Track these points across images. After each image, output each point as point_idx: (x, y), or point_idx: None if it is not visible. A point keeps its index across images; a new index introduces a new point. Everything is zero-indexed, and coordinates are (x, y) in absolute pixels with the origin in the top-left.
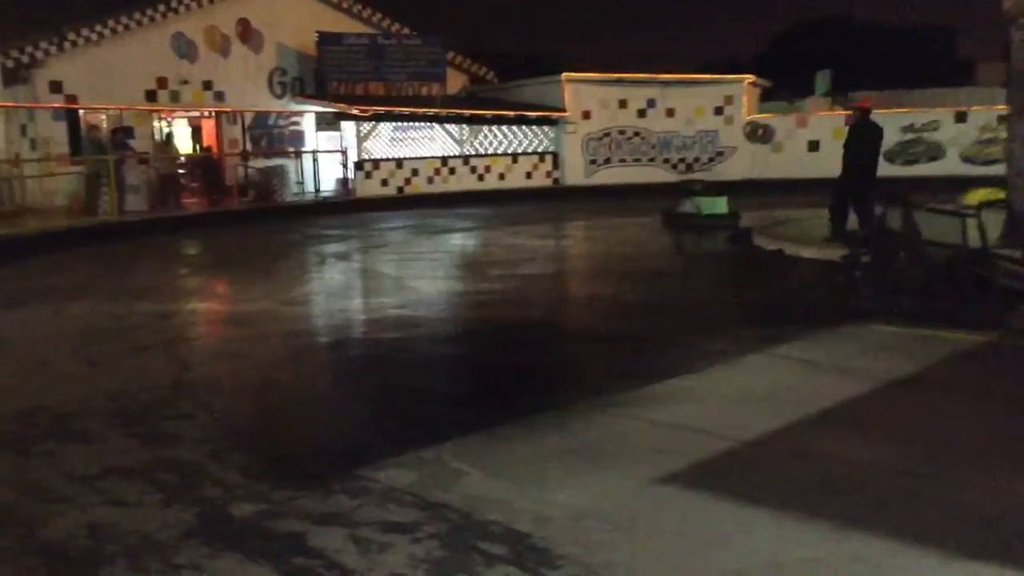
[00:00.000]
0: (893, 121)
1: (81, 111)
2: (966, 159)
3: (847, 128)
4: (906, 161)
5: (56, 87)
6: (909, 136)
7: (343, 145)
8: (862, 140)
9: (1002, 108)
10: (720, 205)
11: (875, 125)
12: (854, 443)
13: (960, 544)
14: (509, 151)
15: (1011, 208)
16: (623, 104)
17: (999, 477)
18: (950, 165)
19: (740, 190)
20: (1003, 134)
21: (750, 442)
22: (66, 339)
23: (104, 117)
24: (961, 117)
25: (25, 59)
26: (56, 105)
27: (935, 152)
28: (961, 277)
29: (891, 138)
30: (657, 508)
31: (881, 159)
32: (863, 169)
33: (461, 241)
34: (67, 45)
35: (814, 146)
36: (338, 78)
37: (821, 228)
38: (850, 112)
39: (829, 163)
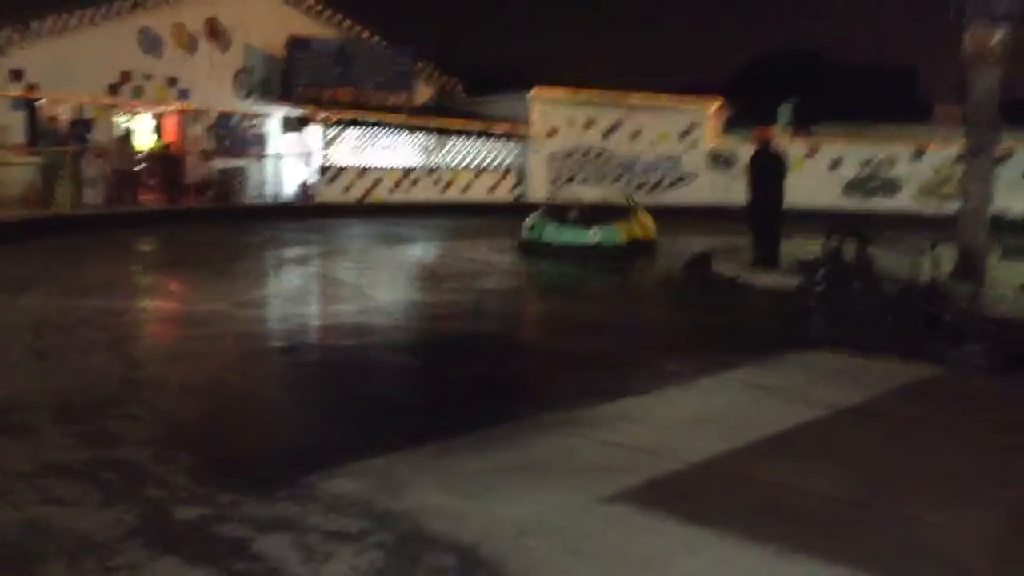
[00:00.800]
0: (853, 156)
1: (41, 101)
2: (921, 196)
3: (751, 158)
4: (863, 195)
5: (17, 75)
6: (868, 171)
7: (307, 149)
8: (761, 168)
9: (959, 147)
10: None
11: (776, 154)
12: (800, 470)
13: (902, 574)
14: (473, 165)
15: (962, 245)
16: (589, 124)
17: (942, 510)
18: (905, 201)
19: (701, 215)
20: (959, 173)
21: (699, 464)
22: (15, 332)
23: (63, 109)
24: (918, 155)
25: None
26: (15, 94)
27: (892, 188)
28: (911, 311)
29: (849, 172)
30: (603, 526)
31: (787, 187)
32: (764, 195)
33: (421, 252)
34: (30, 33)
35: None
36: (305, 82)
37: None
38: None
39: (789, 193)
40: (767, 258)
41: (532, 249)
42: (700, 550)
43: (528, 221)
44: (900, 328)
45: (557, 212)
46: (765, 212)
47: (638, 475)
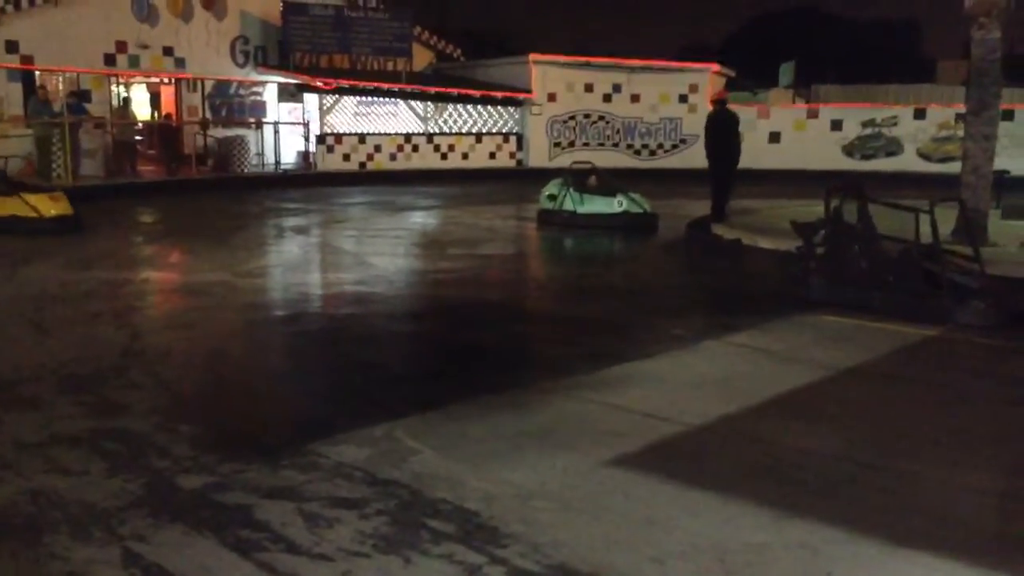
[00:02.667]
0: (854, 115)
1: (37, 72)
2: (923, 156)
3: (707, 118)
4: (864, 156)
5: (12, 47)
6: (868, 131)
7: (305, 118)
8: (718, 128)
9: (960, 106)
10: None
11: (730, 114)
12: (802, 431)
13: (903, 533)
14: (473, 130)
15: (963, 205)
16: (589, 88)
17: (943, 468)
18: (907, 161)
19: (701, 178)
20: (960, 132)
21: (701, 427)
22: (17, 304)
23: (60, 79)
24: (920, 114)
25: None
26: (11, 65)
27: (893, 148)
28: (912, 272)
29: (851, 132)
30: (606, 490)
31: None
32: (720, 154)
33: (422, 219)
34: (24, 3)
35: (775, 137)
36: (302, 49)
37: (778, 218)
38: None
39: (790, 154)
40: (715, 211)
41: (552, 219)
42: (702, 511)
43: (546, 190)
44: (901, 288)
45: (577, 180)
46: (721, 167)
47: (641, 438)
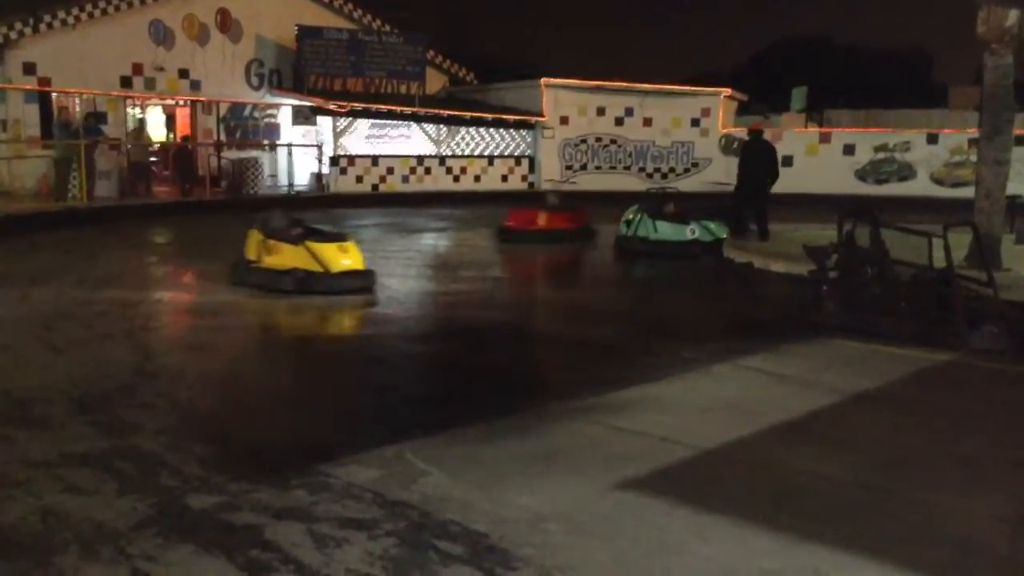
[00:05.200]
0: (867, 140)
1: (54, 94)
2: (936, 180)
3: (742, 145)
4: (877, 180)
5: (30, 69)
6: (881, 155)
7: (319, 140)
8: (755, 156)
9: (973, 131)
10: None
11: (767, 143)
12: (815, 456)
13: (914, 559)
14: (485, 153)
15: (977, 230)
16: (601, 111)
17: (955, 494)
18: (920, 186)
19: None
20: (973, 157)
21: (712, 451)
22: (30, 324)
23: (77, 101)
24: (932, 139)
25: None
26: (28, 87)
27: (906, 172)
28: (925, 297)
29: (863, 157)
30: (616, 513)
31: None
32: (757, 181)
33: (434, 241)
34: (42, 27)
35: (787, 161)
36: (316, 72)
37: (791, 242)
38: (820, 128)
39: (802, 178)
40: (762, 232)
41: (626, 246)
42: (714, 536)
43: (625, 215)
44: (914, 313)
45: (653, 206)
46: (758, 192)
47: (652, 462)
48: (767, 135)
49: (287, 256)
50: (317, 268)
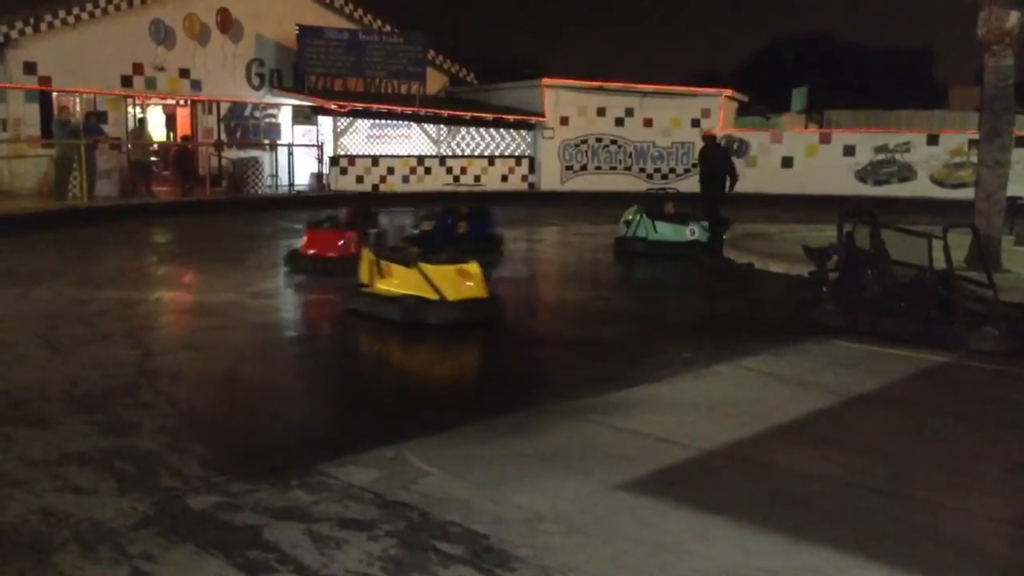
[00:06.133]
0: (867, 141)
1: (54, 94)
2: (936, 182)
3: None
4: (877, 181)
5: (30, 68)
6: (881, 156)
7: (319, 140)
8: (708, 160)
9: (973, 132)
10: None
11: (719, 147)
12: (814, 456)
13: (913, 560)
14: (486, 153)
15: (976, 231)
16: (601, 112)
17: (954, 495)
18: (920, 187)
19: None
20: (973, 158)
21: (711, 452)
22: (30, 323)
23: (77, 100)
24: (933, 140)
25: None
26: (29, 87)
27: (906, 173)
28: (925, 298)
29: (863, 158)
30: (615, 513)
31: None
32: (711, 181)
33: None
34: (43, 26)
35: (787, 162)
36: (317, 72)
37: (790, 243)
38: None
39: (802, 179)
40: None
41: (625, 247)
42: (713, 536)
43: (624, 215)
44: (914, 315)
45: (652, 206)
46: (711, 192)
47: (651, 462)
48: (766, 136)
49: (399, 279)
50: (432, 295)
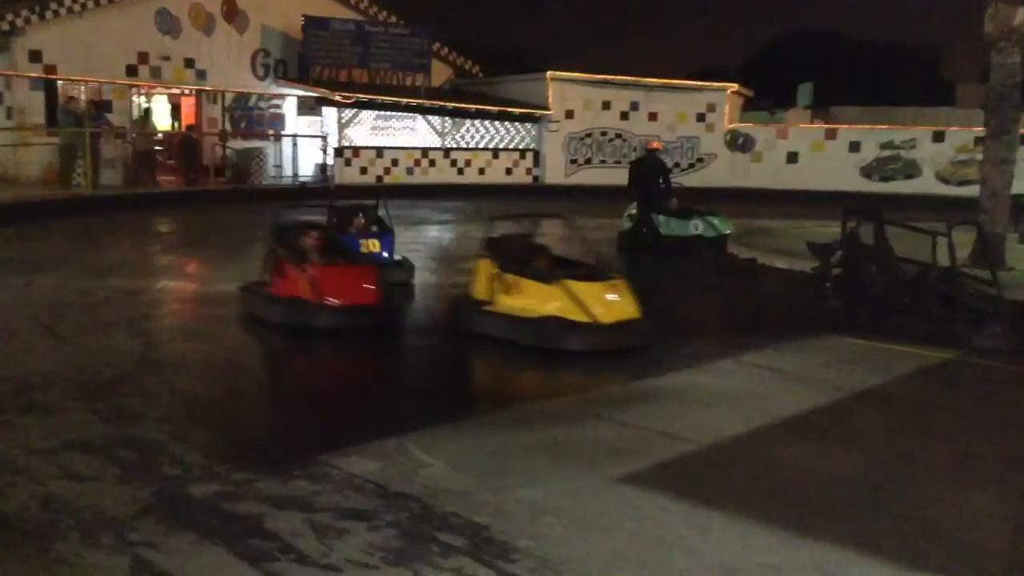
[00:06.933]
0: (872, 137)
1: (60, 82)
2: (941, 179)
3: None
4: (882, 178)
5: (35, 56)
6: (887, 153)
7: (324, 131)
8: (644, 169)
9: (979, 129)
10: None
11: (657, 159)
12: (816, 452)
13: (914, 556)
14: (490, 146)
15: (981, 229)
16: (606, 105)
17: (956, 492)
18: (925, 184)
19: (720, 197)
20: (979, 156)
21: (713, 446)
22: (34, 311)
23: (83, 89)
24: (939, 136)
25: (5, 27)
26: (34, 75)
27: (911, 170)
28: (929, 295)
29: (869, 154)
30: (616, 507)
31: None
32: (646, 190)
33: (437, 233)
34: (49, 14)
35: (793, 158)
36: (322, 63)
37: (795, 239)
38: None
39: (807, 175)
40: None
41: (627, 242)
42: (714, 531)
43: (628, 210)
44: (917, 311)
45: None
46: (646, 199)
47: (653, 456)
48: (771, 131)
49: (534, 297)
50: (580, 317)
